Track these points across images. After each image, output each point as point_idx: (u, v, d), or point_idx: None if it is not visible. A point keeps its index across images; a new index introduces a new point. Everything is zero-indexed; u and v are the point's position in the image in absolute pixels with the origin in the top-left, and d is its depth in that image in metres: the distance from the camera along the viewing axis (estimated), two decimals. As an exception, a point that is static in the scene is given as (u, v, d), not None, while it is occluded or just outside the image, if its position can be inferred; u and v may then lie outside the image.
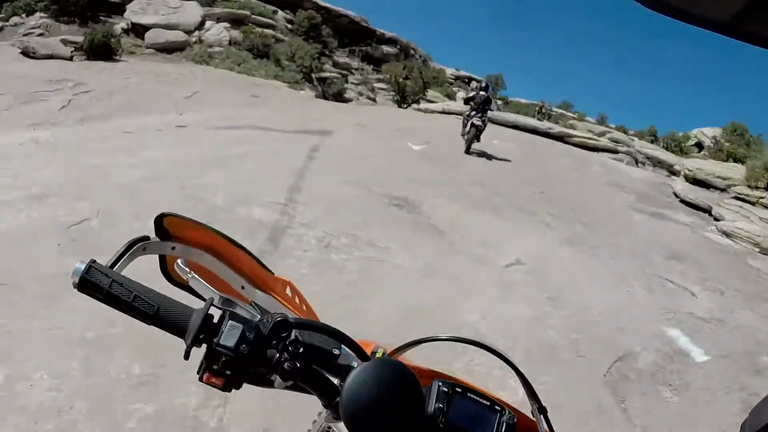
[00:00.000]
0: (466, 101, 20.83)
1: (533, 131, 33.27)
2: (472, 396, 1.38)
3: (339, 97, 38.49)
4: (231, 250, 1.53)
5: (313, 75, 36.52)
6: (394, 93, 37.87)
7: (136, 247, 1.40)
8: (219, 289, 1.37)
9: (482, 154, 20.70)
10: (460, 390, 1.38)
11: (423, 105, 38.11)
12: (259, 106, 23.89)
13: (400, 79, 37.17)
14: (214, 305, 1.23)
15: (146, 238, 1.45)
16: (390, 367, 1.21)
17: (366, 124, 22.65)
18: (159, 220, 1.47)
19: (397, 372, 1.21)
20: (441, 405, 1.34)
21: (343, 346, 1.27)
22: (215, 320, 1.19)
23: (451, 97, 49.31)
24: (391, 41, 56.89)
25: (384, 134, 21.07)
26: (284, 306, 1.56)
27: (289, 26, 45.15)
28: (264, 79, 31.49)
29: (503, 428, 1.36)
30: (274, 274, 1.59)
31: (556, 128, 34.92)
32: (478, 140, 19.68)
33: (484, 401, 1.39)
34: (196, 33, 36.78)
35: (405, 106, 36.91)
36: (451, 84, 58.67)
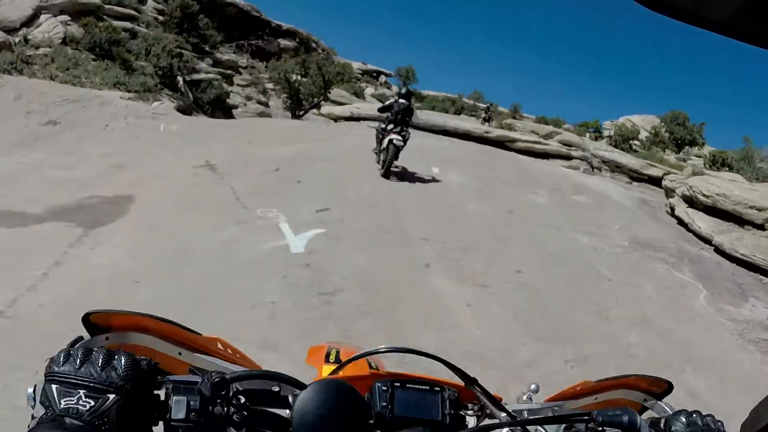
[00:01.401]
0: (382, 110, 15.43)
1: (466, 136, 25.77)
2: (411, 386, 1.44)
3: (219, 104, 28.16)
4: (158, 324, 1.50)
5: (179, 78, 25.75)
6: (285, 97, 26.74)
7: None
8: (160, 362, 1.33)
9: (427, 206, 12.33)
10: (398, 384, 1.43)
11: (326, 109, 27.67)
12: (39, 148, 13.45)
13: (294, 78, 26.10)
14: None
15: (80, 338, 1.36)
16: (327, 387, 1.27)
17: (219, 165, 12.91)
18: (86, 319, 1.40)
19: (335, 389, 1.28)
20: (384, 403, 1.39)
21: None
22: (162, 398, 1.19)
23: (359, 94, 39.22)
24: (289, 34, 46.17)
25: (241, 191, 11.10)
26: (221, 359, 1.53)
27: (161, 18, 34.28)
28: (96, 90, 20.52)
29: (447, 404, 1.44)
30: (201, 335, 1.52)
31: (495, 132, 27.04)
32: (396, 158, 14.45)
33: (423, 386, 1.45)
34: (23, 31, 25.54)
35: (301, 113, 26.15)
36: (358, 80, 47.81)
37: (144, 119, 17.80)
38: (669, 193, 18.31)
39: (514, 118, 63.49)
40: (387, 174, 14.13)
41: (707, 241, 13.52)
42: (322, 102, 26.60)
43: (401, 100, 14.74)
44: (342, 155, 15.40)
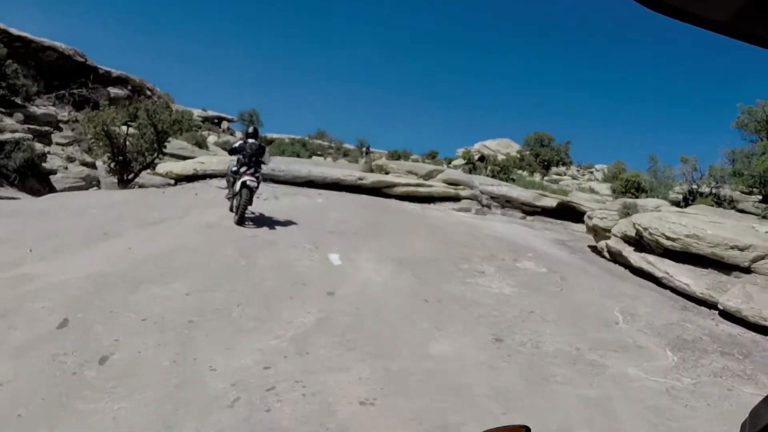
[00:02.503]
0: (232, 152, 13.23)
1: (336, 186, 20.48)
2: None
3: (32, 170, 20.85)
4: None
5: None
6: (108, 157, 19.12)
7: None
8: None
9: (367, 374, 5.90)
10: None
11: (163, 166, 20.66)
12: None
13: (117, 130, 18.72)
14: None
15: None
16: None
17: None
18: None
19: None
20: None
21: None
22: None
23: (201, 144, 32.22)
24: (120, 81, 38.49)
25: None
26: None
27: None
28: None
29: None
30: None
31: (370, 177, 21.59)
32: (251, 203, 12.24)
33: None
34: None
35: (129, 176, 18.81)
36: (199, 128, 40.41)
37: None
38: (599, 232, 15.37)
39: (364, 154, 58.50)
40: (241, 221, 12.05)
41: (703, 303, 10.51)
42: (158, 158, 19.46)
43: (250, 140, 12.92)
44: (186, 256, 8.93)
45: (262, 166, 12.78)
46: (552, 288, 10.15)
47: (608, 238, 14.47)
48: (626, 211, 15.18)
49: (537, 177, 36.12)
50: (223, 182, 15.69)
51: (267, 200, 16.09)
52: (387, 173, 23.69)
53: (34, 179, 22.25)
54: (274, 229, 11.78)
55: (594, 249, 15.34)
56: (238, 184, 12.07)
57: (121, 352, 5.44)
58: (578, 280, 11.04)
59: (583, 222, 21.11)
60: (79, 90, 31.82)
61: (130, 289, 7.02)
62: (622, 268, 12.88)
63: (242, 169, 12.20)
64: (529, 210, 21.89)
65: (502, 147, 46.65)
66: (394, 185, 21.09)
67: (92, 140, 18.66)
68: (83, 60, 34.93)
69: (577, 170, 50.64)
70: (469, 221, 17.33)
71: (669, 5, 0.67)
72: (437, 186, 21.68)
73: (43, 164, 23.20)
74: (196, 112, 46.80)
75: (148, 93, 41.33)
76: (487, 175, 29.05)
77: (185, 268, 8.18)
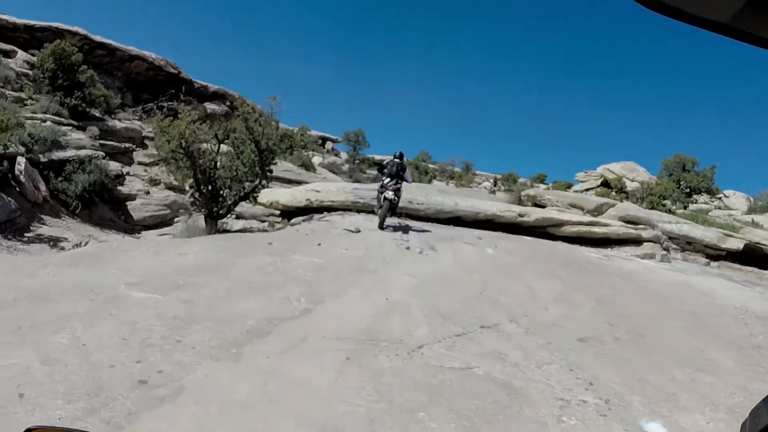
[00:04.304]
0: (380, 169, 14.58)
1: (488, 224, 15.55)
2: None
3: (103, 195, 16.18)
4: None
5: (19, 159, 13.30)
6: (191, 185, 13.60)
7: None
8: None
9: None
10: None
11: (267, 194, 15.25)
12: None
13: (203, 150, 13.25)
14: None
15: None
16: None
17: None
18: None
19: None
20: None
21: None
22: None
23: (308, 167, 26.99)
24: (218, 96, 33.72)
25: None
26: None
27: (30, 74, 22.03)
28: None
29: None
30: None
31: (533, 214, 16.43)
32: (394, 213, 13.79)
33: None
34: None
35: (221, 211, 13.17)
36: (305, 147, 35.24)
37: None
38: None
39: (467, 172, 53.01)
40: (381, 225, 13.28)
41: None
42: (260, 185, 13.85)
43: (396, 160, 13.94)
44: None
45: (404, 183, 13.77)
46: None
47: None
48: None
49: (676, 206, 29.95)
50: (347, 221, 14.04)
51: (423, 253, 10.83)
52: (541, 206, 18.08)
53: (107, 206, 17.30)
54: (484, 333, 6.00)
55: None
56: (382, 197, 13.44)
57: None
58: None
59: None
60: (170, 103, 26.89)
61: None
62: None
63: (386, 181, 13.50)
64: (713, 254, 17.97)
65: (628, 171, 39.88)
66: (562, 224, 16.12)
67: (168, 161, 13.20)
68: (176, 72, 30.30)
69: (708, 197, 43.79)
70: (678, 279, 12.64)
71: (669, 6, 0.66)
72: (614, 225, 16.48)
73: (119, 188, 18.31)
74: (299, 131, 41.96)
75: (249, 110, 36.75)
76: (643, 207, 23.21)
77: None
